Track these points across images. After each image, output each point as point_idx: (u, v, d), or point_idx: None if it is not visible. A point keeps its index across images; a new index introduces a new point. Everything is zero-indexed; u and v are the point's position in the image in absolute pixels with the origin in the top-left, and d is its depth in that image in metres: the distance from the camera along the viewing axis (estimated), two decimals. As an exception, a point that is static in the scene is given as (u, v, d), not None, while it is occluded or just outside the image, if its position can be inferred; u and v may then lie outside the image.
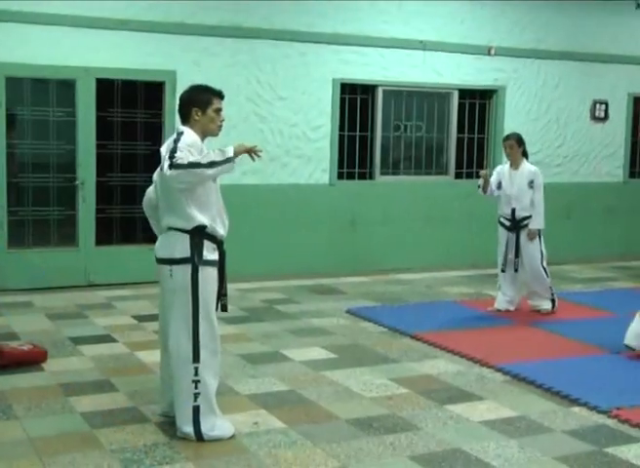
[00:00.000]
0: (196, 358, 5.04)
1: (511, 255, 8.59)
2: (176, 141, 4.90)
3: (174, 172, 4.76)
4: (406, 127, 11.27)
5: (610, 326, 8.22)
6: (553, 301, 8.65)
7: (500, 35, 11.45)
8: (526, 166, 8.54)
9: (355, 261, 10.74)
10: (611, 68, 12.35)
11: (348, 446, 5.13)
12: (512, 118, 11.61)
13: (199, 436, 5.09)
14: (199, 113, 5.09)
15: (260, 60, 10.13)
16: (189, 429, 5.10)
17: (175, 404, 5.19)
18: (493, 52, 11.38)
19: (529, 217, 8.51)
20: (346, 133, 10.85)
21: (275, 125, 10.27)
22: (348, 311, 8.66)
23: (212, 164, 4.83)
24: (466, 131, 11.61)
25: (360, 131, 10.97)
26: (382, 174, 11.06)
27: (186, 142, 4.90)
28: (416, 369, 6.76)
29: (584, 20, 12.04)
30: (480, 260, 11.27)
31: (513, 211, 8.52)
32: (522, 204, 8.49)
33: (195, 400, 5.06)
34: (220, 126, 5.18)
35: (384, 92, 10.93)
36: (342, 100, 10.73)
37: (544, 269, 8.55)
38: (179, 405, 5.14)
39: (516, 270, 8.59)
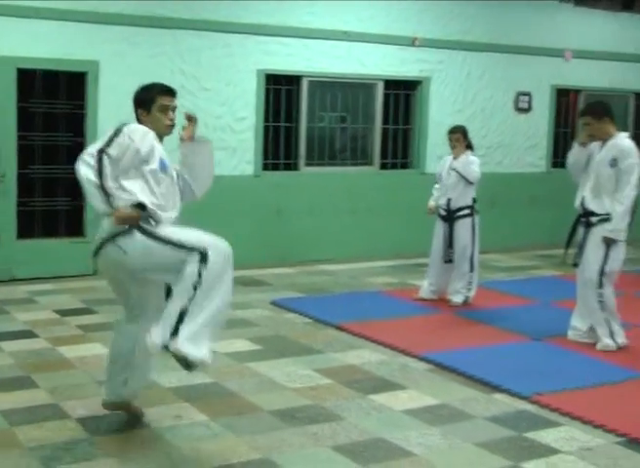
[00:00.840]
0: None
1: (445, 246, 8.62)
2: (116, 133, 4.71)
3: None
4: (331, 118, 11.28)
5: (533, 313, 8.36)
6: (467, 297, 8.62)
7: (424, 26, 11.50)
8: (468, 158, 8.58)
9: (280, 253, 10.72)
10: (534, 60, 12.50)
11: (271, 437, 5.11)
12: (437, 109, 11.69)
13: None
14: (144, 114, 4.92)
15: (185, 51, 10.03)
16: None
17: None
18: (417, 43, 11.42)
19: (464, 208, 8.57)
20: (271, 124, 10.81)
21: (199, 117, 10.09)
22: (273, 302, 8.63)
23: (87, 172, 4.64)
24: (392, 122, 11.65)
25: (285, 122, 10.94)
26: (308, 165, 11.05)
27: (135, 129, 4.75)
28: (340, 359, 6.77)
29: (509, 13, 12.16)
30: (404, 250, 11.33)
31: (449, 201, 8.58)
32: (457, 194, 8.57)
33: None
34: (170, 124, 4.94)
35: (309, 83, 10.91)
36: (267, 92, 10.68)
37: (471, 264, 8.61)
38: None
39: (450, 261, 8.62)
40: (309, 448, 4.98)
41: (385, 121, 11.56)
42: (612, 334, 7.07)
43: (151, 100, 4.91)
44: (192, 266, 4.55)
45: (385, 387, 6.09)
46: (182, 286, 4.57)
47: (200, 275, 4.53)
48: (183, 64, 10.05)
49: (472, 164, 8.50)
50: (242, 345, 7.08)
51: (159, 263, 4.72)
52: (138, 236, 4.68)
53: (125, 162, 4.67)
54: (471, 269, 8.59)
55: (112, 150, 4.64)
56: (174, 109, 4.99)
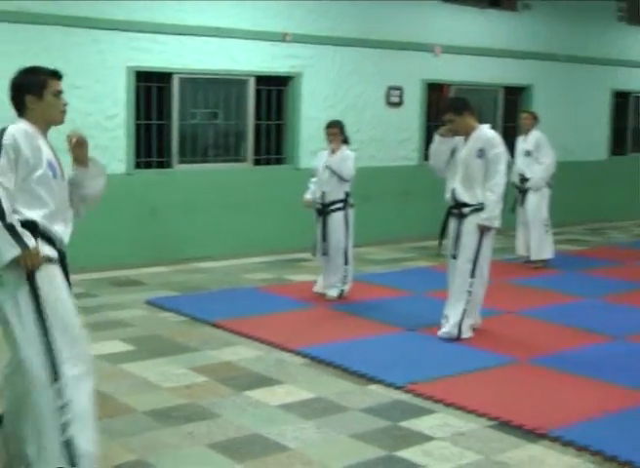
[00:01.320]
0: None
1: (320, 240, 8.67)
2: None
3: None
4: (203, 114, 11.19)
5: (407, 304, 8.48)
6: (342, 290, 8.67)
7: (295, 22, 11.52)
8: (344, 153, 8.62)
9: (155, 252, 10.57)
10: (405, 55, 12.66)
11: (146, 438, 5.05)
12: (310, 104, 11.72)
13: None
14: (34, 100, 4.32)
15: (52, 48, 9.76)
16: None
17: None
18: (289, 38, 11.43)
19: (337, 202, 8.61)
20: (143, 122, 10.65)
21: (69, 114, 9.67)
22: (148, 302, 8.51)
23: None
24: (264, 117, 11.63)
25: (157, 119, 10.80)
26: (181, 162, 10.94)
27: (15, 134, 4.17)
28: (216, 356, 6.72)
29: (379, 8, 12.27)
30: (280, 246, 11.33)
31: (323, 194, 8.61)
32: (330, 189, 8.61)
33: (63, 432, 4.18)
34: (64, 111, 4.44)
35: (180, 79, 10.79)
36: (138, 89, 10.51)
37: (345, 257, 8.66)
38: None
39: (325, 254, 8.66)
40: (185, 448, 4.93)
41: (258, 117, 11.54)
42: (460, 326, 7.16)
43: (43, 84, 4.34)
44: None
45: (261, 383, 6.08)
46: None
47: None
48: (51, 61, 9.68)
49: (348, 160, 8.55)
50: (116, 346, 6.96)
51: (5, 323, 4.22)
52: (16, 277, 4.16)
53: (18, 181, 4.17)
54: (346, 262, 8.64)
55: (3, 178, 4.11)
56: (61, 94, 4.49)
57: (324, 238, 8.63)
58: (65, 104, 4.47)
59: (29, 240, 4.12)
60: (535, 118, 10.72)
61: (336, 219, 8.61)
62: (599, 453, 4.89)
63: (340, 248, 8.60)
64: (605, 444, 4.99)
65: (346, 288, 8.68)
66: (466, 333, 7.19)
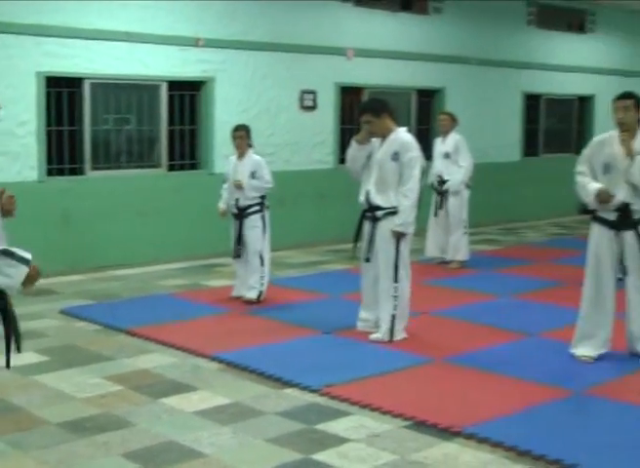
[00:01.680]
0: None
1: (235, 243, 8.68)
2: None
3: None
4: (115, 120, 11.06)
5: (323, 307, 8.50)
6: (261, 292, 8.67)
7: (206, 26, 11.47)
8: (251, 156, 8.63)
9: (69, 260, 10.41)
10: (317, 59, 12.70)
11: (60, 450, 4.96)
12: (223, 109, 11.67)
13: None
14: None
15: (-41, 53, 9.59)
16: None
17: None
18: (201, 43, 11.37)
19: (253, 205, 8.61)
20: (54, 128, 10.49)
21: None
22: (62, 311, 8.37)
23: None
24: (178, 122, 11.55)
25: (68, 125, 10.64)
26: (94, 169, 10.78)
27: None
28: (131, 364, 6.64)
29: (291, 12, 12.30)
30: (196, 252, 11.27)
31: (237, 200, 8.59)
32: (245, 193, 8.58)
33: None
34: None
35: (92, 85, 10.65)
36: (49, 94, 10.35)
37: (261, 258, 8.65)
38: None
39: (239, 256, 8.66)
40: (100, 458, 4.86)
41: (171, 122, 11.46)
42: (392, 331, 7.20)
43: None
44: None
45: (177, 390, 6.03)
46: None
47: None
48: (-43, 67, 9.59)
49: (263, 169, 8.62)
50: (29, 358, 6.79)
51: None
52: None
53: None
54: (262, 263, 8.65)
55: None
56: None
57: (239, 240, 8.61)
58: None
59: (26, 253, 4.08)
60: (453, 120, 10.79)
61: (252, 221, 8.61)
62: (513, 449, 4.97)
63: (257, 250, 8.60)
64: (519, 439, 5.07)
65: (264, 289, 8.68)
66: (399, 336, 7.22)
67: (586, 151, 6.82)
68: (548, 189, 15.98)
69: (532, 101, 16.12)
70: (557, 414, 5.56)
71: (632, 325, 6.73)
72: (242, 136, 8.66)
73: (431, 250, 10.92)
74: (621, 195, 6.48)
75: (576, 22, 16.84)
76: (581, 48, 16.94)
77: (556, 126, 16.86)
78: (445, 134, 10.76)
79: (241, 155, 8.66)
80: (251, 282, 8.66)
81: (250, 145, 8.76)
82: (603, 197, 6.49)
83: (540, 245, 13.08)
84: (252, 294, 8.64)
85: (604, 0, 16.39)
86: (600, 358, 6.69)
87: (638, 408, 5.69)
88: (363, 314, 7.47)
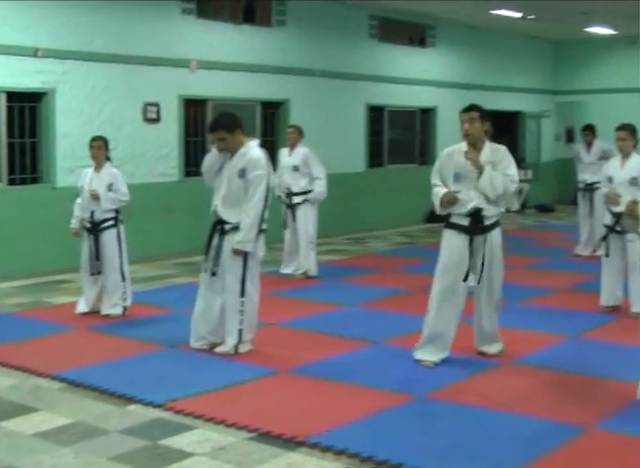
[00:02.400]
0: None
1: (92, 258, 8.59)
2: None
3: None
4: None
5: (168, 321, 8.41)
6: (125, 307, 8.61)
7: (46, 36, 11.18)
8: (109, 169, 8.62)
9: None
10: (160, 71, 12.57)
11: None
12: (64, 121, 11.39)
13: None
14: None
15: None
16: None
17: None
18: (40, 53, 11.09)
19: (108, 219, 8.56)
20: None
21: None
22: None
23: None
24: (17, 135, 11.21)
25: None
26: None
27: None
28: (-33, 387, 6.41)
29: (131, 24, 12.15)
30: (38, 268, 10.94)
31: (92, 213, 8.49)
32: (101, 205, 8.48)
33: None
34: None
35: None
36: None
37: (122, 274, 8.55)
38: None
39: (99, 273, 8.57)
40: None
41: (11, 135, 11.11)
42: (237, 347, 7.18)
43: None
44: None
45: (16, 412, 5.83)
46: None
47: None
48: None
49: (120, 182, 8.59)
50: None
51: None
52: None
53: None
54: (123, 279, 8.56)
55: None
56: None
57: (97, 257, 8.46)
58: None
59: None
60: (300, 132, 10.88)
61: (108, 236, 8.50)
62: (356, 456, 5.03)
63: (116, 265, 8.49)
64: (362, 446, 5.14)
65: (128, 304, 8.63)
66: (245, 348, 7.20)
67: (437, 164, 7.07)
68: (393, 199, 16.32)
69: (376, 113, 16.44)
70: (400, 420, 5.67)
71: (483, 327, 7.05)
72: (100, 146, 8.58)
73: (287, 263, 11.02)
74: (474, 201, 6.72)
75: (417, 37, 17.29)
76: (423, 61, 17.41)
77: (400, 137, 17.24)
78: (292, 146, 10.83)
79: (98, 166, 8.53)
80: (114, 299, 8.56)
81: (108, 158, 8.63)
82: (448, 197, 6.75)
83: (385, 254, 13.32)
84: (117, 311, 8.58)
85: (443, 15, 16.85)
86: (442, 362, 6.87)
87: (478, 409, 5.86)
88: (198, 331, 7.37)
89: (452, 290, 6.82)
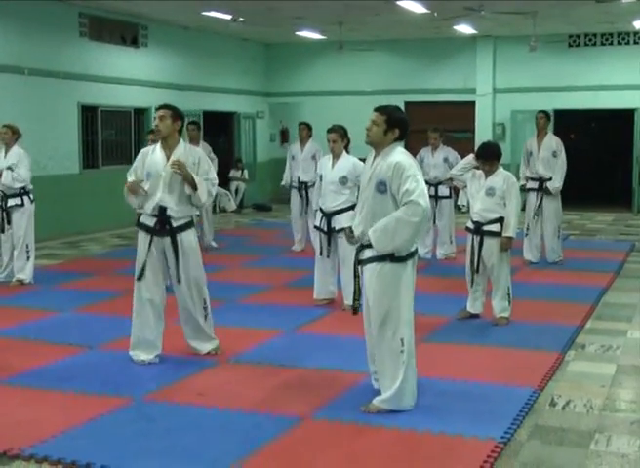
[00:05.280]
0: None
1: None
2: None
3: None
4: None
5: None
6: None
7: None
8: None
9: None
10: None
11: None
12: None
13: None
14: None
15: None
16: None
17: None
18: None
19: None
20: None
21: None
22: None
23: None
24: None
25: None
26: None
27: None
28: None
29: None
30: None
31: None
32: None
33: None
34: None
35: None
36: None
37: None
38: None
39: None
40: None
41: None
42: None
43: None
44: None
45: None
46: None
47: None
48: None
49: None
50: None
51: None
52: None
53: None
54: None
55: None
56: None
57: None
58: None
59: None
60: (14, 132, 10.37)
61: None
62: (74, 464, 4.96)
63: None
64: (79, 454, 5.07)
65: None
66: None
67: (134, 163, 7.20)
68: (109, 200, 15.98)
69: (89, 113, 16.06)
70: (118, 424, 5.63)
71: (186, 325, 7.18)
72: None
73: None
74: (157, 199, 6.87)
75: (129, 36, 17.07)
76: (136, 61, 17.23)
77: (114, 137, 16.97)
78: (8, 146, 10.29)
79: None
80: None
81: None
82: (130, 186, 7.02)
83: (101, 256, 13.10)
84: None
85: (155, 15, 16.76)
86: (160, 362, 6.90)
87: (196, 408, 5.92)
88: None
89: (145, 291, 6.93)
